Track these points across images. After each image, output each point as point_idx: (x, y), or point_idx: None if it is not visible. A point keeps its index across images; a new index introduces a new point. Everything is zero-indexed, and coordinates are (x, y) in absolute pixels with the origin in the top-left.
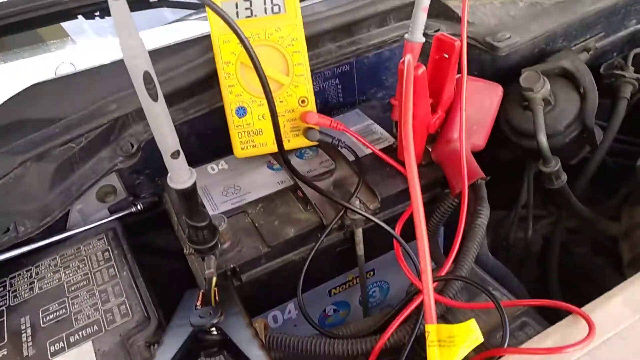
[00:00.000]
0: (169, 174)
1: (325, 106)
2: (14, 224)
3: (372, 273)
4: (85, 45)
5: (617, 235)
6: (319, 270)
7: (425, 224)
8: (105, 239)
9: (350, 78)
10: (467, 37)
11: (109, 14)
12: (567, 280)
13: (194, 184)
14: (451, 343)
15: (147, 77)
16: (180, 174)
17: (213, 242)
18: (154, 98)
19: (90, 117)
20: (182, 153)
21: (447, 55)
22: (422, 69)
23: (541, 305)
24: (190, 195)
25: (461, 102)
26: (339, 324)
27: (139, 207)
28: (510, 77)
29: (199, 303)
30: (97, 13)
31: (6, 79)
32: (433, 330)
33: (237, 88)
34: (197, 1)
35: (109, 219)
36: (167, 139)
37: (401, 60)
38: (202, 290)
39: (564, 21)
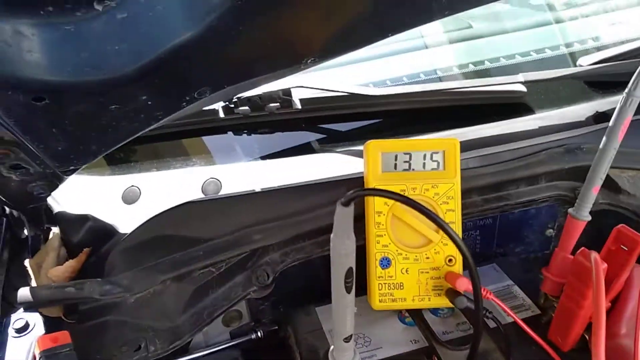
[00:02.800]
0: (332, 349)
1: None
2: (146, 343)
3: None
4: (233, 168)
5: None
6: None
7: None
8: None
9: (491, 231)
10: (628, 210)
11: (255, 132)
12: None
13: None
14: None
15: (349, 272)
16: (346, 356)
17: None
18: (349, 291)
19: (235, 244)
20: (353, 337)
21: (625, 248)
22: (605, 266)
23: None
24: None
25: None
26: None
27: (259, 334)
28: None
29: None
30: (245, 130)
31: (156, 188)
32: None
33: (385, 239)
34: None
35: (230, 343)
36: (347, 326)
37: (581, 250)
38: None
39: None
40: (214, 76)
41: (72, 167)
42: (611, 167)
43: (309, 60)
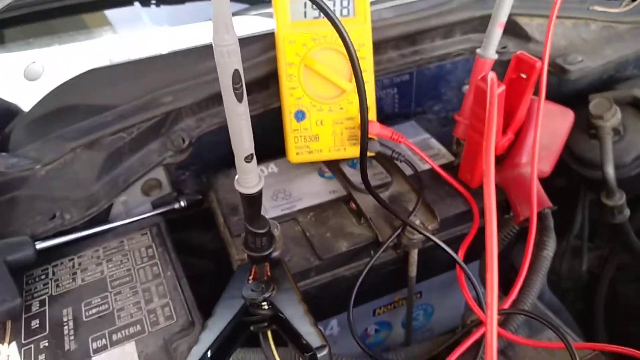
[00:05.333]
0: (237, 177)
1: (380, 115)
2: (60, 212)
3: (418, 295)
4: (141, 35)
5: None
6: (367, 289)
7: (497, 258)
8: (149, 234)
9: (409, 88)
10: (537, 56)
11: (165, 3)
12: (610, 318)
13: (261, 190)
14: None
15: (236, 75)
16: (250, 178)
17: (269, 251)
18: (239, 99)
19: (144, 107)
20: (254, 157)
21: (524, 76)
22: (502, 88)
23: (613, 351)
24: (255, 201)
25: (535, 126)
26: (379, 344)
27: (182, 203)
28: (575, 101)
29: (251, 278)
30: (154, 1)
31: (59, 62)
32: None
33: (298, 91)
34: None
35: (152, 213)
36: (245, 142)
37: (481, 76)
38: (254, 265)
39: (638, 48)
40: None
41: None
42: (521, 15)
43: None
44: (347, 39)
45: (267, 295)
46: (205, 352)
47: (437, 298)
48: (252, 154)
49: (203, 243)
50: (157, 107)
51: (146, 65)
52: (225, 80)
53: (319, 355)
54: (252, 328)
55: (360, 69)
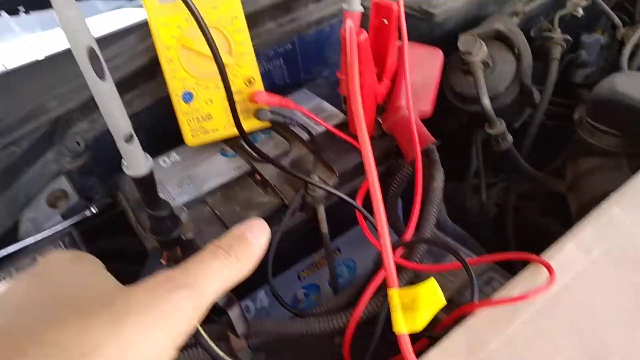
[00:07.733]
0: (123, 161)
1: (272, 88)
2: None
3: (337, 252)
4: (14, 44)
5: (564, 192)
6: (286, 254)
7: (379, 189)
8: (61, 245)
9: (294, 57)
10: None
11: (34, 7)
12: (522, 243)
13: (151, 171)
14: (414, 306)
15: (92, 53)
16: (135, 159)
17: (175, 233)
18: (101, 76)
19: (30, 116)
20: (135, 137)
21: (386, 21)
22: (364, 34)
23: (503, 260)
24: (147, 183)
25: (404, 68)
26: (312, 307)
27: (93, 210)
28: (448, 44)
29: (163, 261)
30: (22, 8)
31: None
32: (395, 295)
33: (180, 72)
34: None
35: (63, 225)
36: (119, 121)
37: (342, 28)
38: (164, 251)
39: None
40: None
41: None
42: None
43: None
44: (200, 18)
45: None
46: None
47: (356, 252)
48: (131, 134)
49: (125, 247)
50: (43, 114)
51: (24, 73)
52: (81, 58)
53: (229, 312)
54: None
55: (213, 41)
